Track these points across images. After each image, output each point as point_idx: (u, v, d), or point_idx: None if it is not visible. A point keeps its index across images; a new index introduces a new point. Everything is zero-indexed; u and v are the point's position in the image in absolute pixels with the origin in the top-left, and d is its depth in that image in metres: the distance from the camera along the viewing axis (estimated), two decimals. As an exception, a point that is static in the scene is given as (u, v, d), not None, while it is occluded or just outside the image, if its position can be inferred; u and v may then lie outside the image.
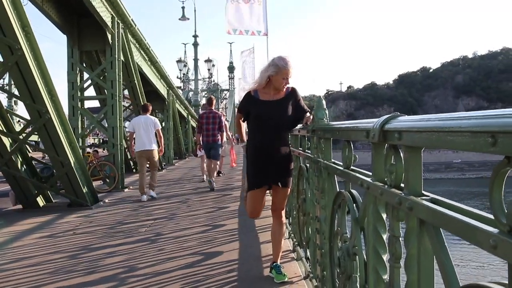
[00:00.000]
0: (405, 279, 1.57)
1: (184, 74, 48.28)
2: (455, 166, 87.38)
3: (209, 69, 44.46)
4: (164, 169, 15.98)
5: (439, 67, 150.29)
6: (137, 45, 13.72)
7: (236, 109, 13.05)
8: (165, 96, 19.22)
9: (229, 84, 67.74)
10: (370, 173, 2.01)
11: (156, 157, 9.45)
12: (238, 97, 39.99)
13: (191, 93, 48.49)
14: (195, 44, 41.39)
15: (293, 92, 3.86)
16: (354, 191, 2.36)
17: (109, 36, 10.84)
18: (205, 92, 62.47)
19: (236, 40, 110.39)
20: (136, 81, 13.27)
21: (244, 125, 4.18)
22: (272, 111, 3.77)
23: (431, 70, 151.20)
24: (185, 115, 26.60)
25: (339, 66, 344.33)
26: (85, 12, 10.15)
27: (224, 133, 10.63)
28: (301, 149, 4.22)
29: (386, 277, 1.80)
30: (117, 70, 10.97)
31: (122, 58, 11.63)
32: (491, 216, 1.04)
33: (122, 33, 11.58)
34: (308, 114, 3.78)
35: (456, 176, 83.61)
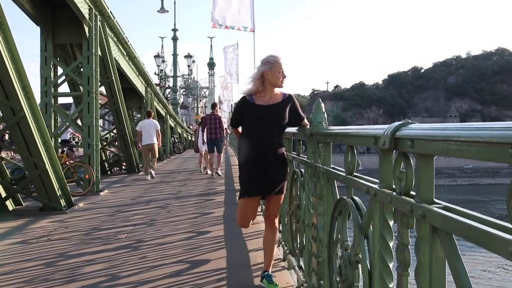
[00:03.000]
0: (413, 287, 1.68)
1: (161, 70, 48.04)
2: (446, 172, 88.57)
3: (189, 65, 44.33)
4: (141, 172, 15.95)
5: (431, 67, 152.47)
6: (115, 38, 13.69)
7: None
8: (143, 93, 19.21)
9: (209, 82, 67.77)
10: (375, 180, 2.11)
11: (156, 149, 14.37)
12: (221, 95, 39.95)
13: (168, 91, 48.49)
14: (175, 39, 41.48)
15: (290, 98, 4.01)
16: (356, 198, 2.46)
17: (86, 29, 10.80)
18: (183, 90, 62.42)
19: (218, 34, 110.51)
20: (113, 78, 13.25)
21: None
22: (268, 116, 3.89)
23: (422, 70, 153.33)
24: (164, 114, 26.52)
25: (326, 64, 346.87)
26: (61, 3, 10.10)
27: (224, 132, 13.94)
28: (295, 153, 4.30)
29: (392, 285, 1.90)
30: (94, 65, 10.92)
31: (99, 52, 11.58)
32: (506, 224, 1.15)
33: (99, 26, 11.54)
34: (305, 120, 3.92)
35: (447, 182, 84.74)
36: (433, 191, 1.54)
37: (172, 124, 31.54)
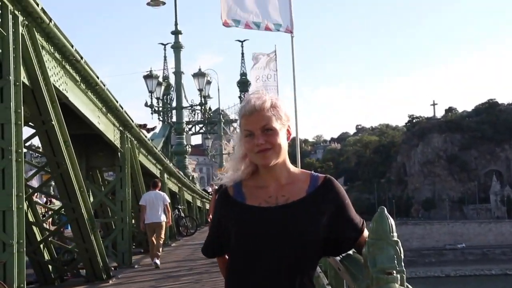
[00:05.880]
0: None
1: (158, 98, 47.98)
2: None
3: (201, 90, 43.80)
4: (111, 280, 15.09)
5: None
6: (56, 54, 13.09)
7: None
8: (117, 143, 18.55)
9: (242, 110, 67.41)
10: None
11: (163, 229, 18.07)
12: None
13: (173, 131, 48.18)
14: (177, 47, 41.31)
15: (326, 186, 3.36)
16: None
17: (-4, 41, 10.32)
18: (201, 127, 62.20)
19: (253, 36, 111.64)
20: (55, 122, 12.54)
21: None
22: (276, 230, 3.25)
23: None
24: (157, 172, 26.11)
25: (429, 74, 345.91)
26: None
27: None
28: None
29: None
30: (13, 103, 10.29)
31: (24, 78, 11.06)
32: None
33: (24, 34, 11.04)
34: (364, 233, 3.29)
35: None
36: None
37: (175, 188, 30.94)
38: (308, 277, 3.29)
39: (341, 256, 3.62)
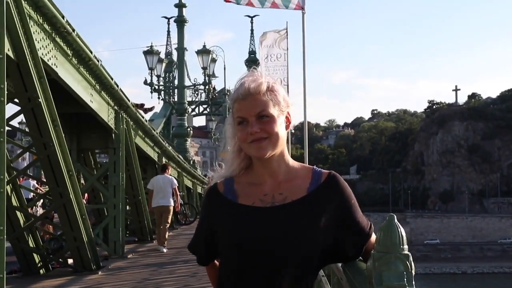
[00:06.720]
0: None
1: (159, 76, 47.77)
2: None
3: (205, 68, 43.56)
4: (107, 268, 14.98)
5: None
6: (45, 25, 12.92)
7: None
8: (111, 123, 18.36)
9: (249, 90, 67.30)
10: None
11: (170, 213, 19.37)
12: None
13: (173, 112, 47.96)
14: (180, 21, 41.13)
15: (330, 184, 3.21)
16: None
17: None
18: (205, 108, 61.81)
19: (263, 11, 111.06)
20: (42, 99, 12.38)
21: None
22: (272, 233, 3.11)
23: None
24: (155, 156, 26.16)
25: (453, 57, 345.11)
26: None
27: None
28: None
29: None
30: None
31: (9, 51, 10.92)
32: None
33: (9, 2, 10.81)
34: (372, 238, 3.15)
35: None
36: None
37: (174, 173, 30.93)
38: (307, 286, 3.15)
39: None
